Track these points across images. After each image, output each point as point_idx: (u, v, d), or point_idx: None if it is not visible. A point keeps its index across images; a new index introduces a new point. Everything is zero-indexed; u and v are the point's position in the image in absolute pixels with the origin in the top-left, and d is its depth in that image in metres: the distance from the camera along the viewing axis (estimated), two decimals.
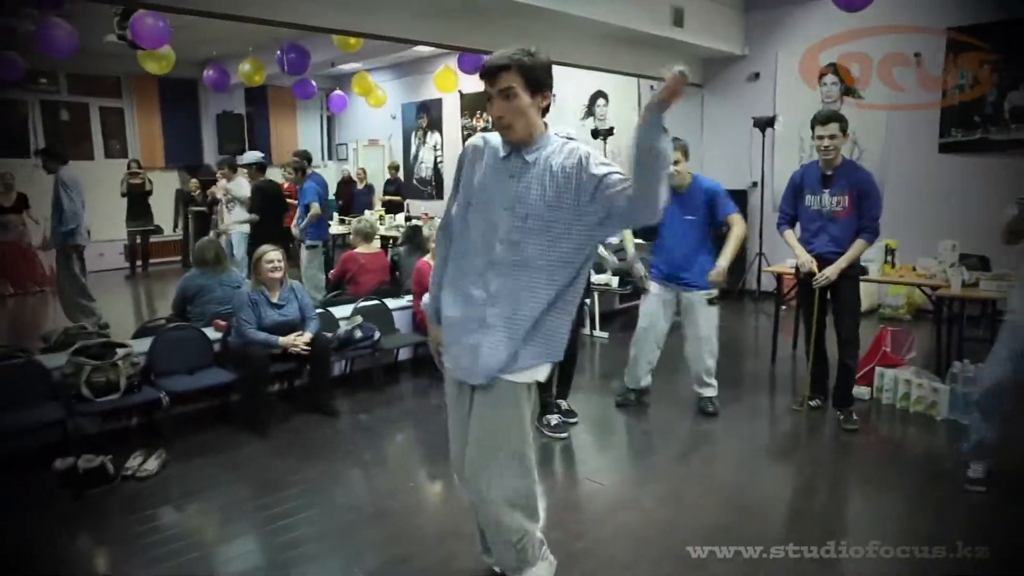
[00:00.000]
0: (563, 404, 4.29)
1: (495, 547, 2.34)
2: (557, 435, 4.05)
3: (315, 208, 6.90)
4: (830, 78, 7.82)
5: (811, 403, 4.37)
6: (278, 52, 8.16)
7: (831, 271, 3.98)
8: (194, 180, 10.66)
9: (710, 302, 4.27)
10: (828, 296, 4.14)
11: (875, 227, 3.97)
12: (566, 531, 2.96)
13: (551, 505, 3.17)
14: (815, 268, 4.01)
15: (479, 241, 2.14)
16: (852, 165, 4.16)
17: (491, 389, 2.15)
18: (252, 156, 7.42)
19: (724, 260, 4.13)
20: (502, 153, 2.14)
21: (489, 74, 2.06)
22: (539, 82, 2.07)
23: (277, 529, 3.05)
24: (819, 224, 4.10)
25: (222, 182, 8.08)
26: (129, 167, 10.44)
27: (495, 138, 2.19)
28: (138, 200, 10.36)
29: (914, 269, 5.05)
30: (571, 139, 2.19)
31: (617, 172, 2.03)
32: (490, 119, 2.15)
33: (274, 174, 8.82)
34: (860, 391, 4.58)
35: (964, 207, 6.62)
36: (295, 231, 7.21)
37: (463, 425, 2.26)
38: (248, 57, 8.95)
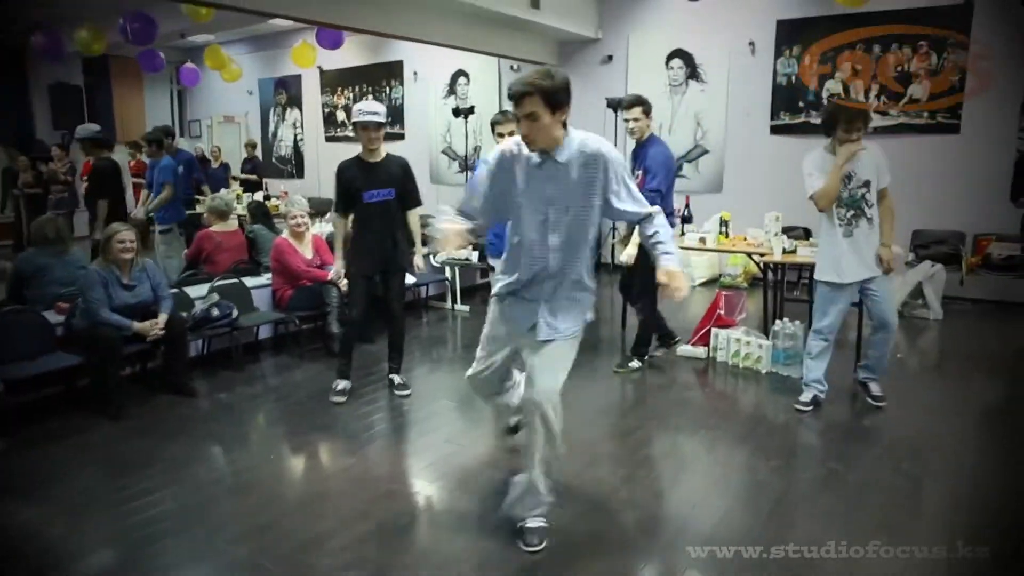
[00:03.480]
0: (396, 379, 4.41)
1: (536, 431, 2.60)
2: (337, 400, 4.23)
3: (168, 189, 6.58)
4: (676, 62, 8.36)
5: (631, 364, 4.82)
6: (121, 20, 7.65)
7: (631, 251, 4.49)
8: (23, 158, 9.80)
9: None
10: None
11: (651, 197, 4.11)
12: (435, 486, 3.11)
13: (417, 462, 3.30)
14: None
15: (534, 234, 2.54)
16: (651, 142, 4.53)
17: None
18: (85, 130, 6.68)
19: None
20: (536, 160, 2.49)
21: (515, 99, 2.40)
22: (558, 102, 2.38)
23: (136, 508, 3.00)
24: None
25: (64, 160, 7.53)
26: None
27: (523, 146, 2.51)
28: None
29: (745, 239, 5.55)
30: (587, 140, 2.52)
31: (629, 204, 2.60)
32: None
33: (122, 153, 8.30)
34: (697, 350, 5.04)
35: (790, 183, 7.30)
36: (139, 212, 6.84)
37: (503, 343, 2.76)
38: (85, 24, 8.32)
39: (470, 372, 2.92)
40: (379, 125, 4.06)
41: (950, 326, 6.01)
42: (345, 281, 4.54)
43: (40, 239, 4.65)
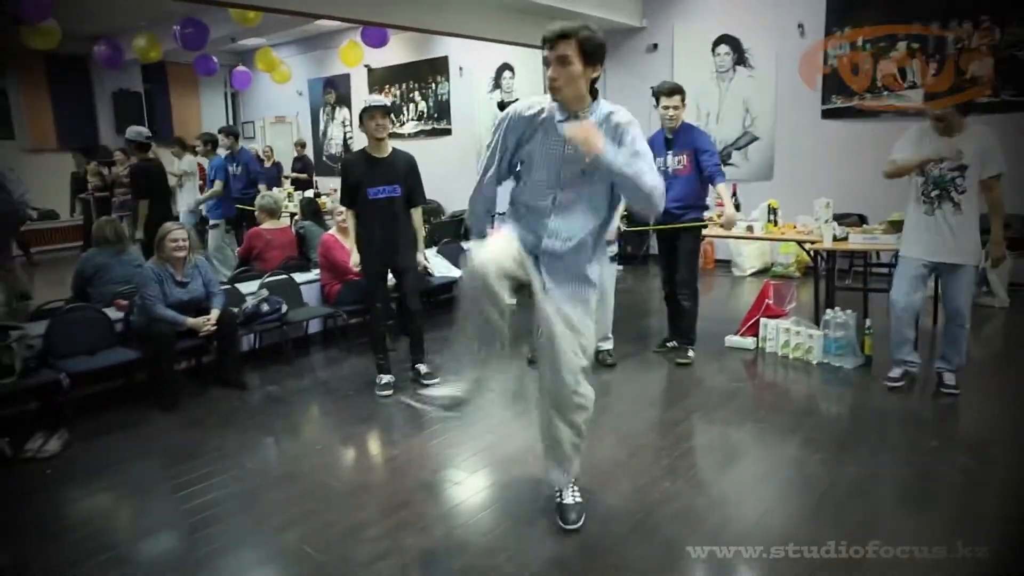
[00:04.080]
0: (421, 368, 4.45)
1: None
2: (382, 394, 4.28)
3: (218, 185, 6.79)
4: (723, 48, 8.18)
5: (668, 344, 4.92)
6: (174, 27, 7.91)
7: (730, 214, 4.62)
8: (92, 164, 10.21)
9: (611, 259, 4.68)
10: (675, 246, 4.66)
11: (720, 169, 4.52)
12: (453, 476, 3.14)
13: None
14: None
15: (544, 189, 2.49)
16: (689, 127, 4.61)
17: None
18: (134, 132, 6.80)
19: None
20: (559, 117, 2.42)
21: (550, 40, 2.33)
22: (593, 55, 2.34)
23: (186, 496, 3.11)
24: (667, 183, 4.44)
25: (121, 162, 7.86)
26: None
27: (548, 104, 2.45)
28: None
29: (795, 227, 5.41)
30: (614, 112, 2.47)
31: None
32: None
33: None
34: (746, 341, 4.94)
35: (843, 169, 7.11)
36: (188, 208, 7.10)
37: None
38: (142, 32, 8.63)
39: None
40: (386, 110, 4.09)
41: (1017, 314, 5.75)
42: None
43: (100, 239, 4.85)
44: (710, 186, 4.58)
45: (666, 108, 4.50)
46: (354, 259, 4.36)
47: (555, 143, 2.45)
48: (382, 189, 4.11)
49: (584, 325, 2.57)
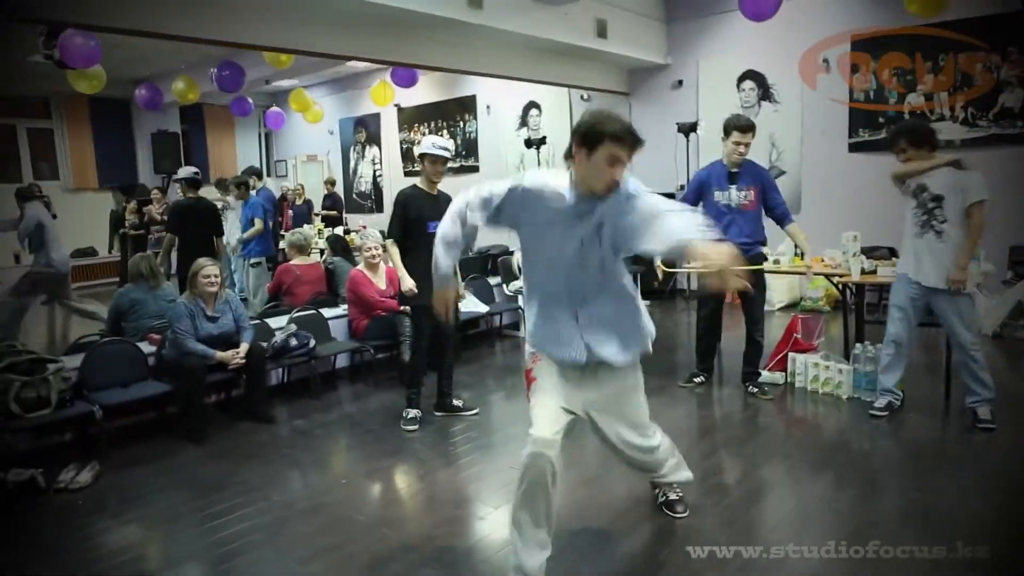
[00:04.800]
0: (457, 403, 4.58)
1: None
2: (409, 428, 4.33)
3: (259, 224, 6.96)
4: (748, 84, 8.23)
5: (696, 380, 4.91)
6: (212, 70, 8.19)
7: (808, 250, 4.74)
8: (132, 203, 10.52)
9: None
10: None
11: (788, 209, 4.63)
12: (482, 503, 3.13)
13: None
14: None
15: (563, 276, 2.44)
16: (752, 163, 4.62)
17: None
18: (185, 171, 7.06)
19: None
20: (570, 200, 2.34)
21: (628, 144, 2.26)
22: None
23: (213, 527, 3.14)
24: (729, 217, 4.55)
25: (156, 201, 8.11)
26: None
27: (554, 185, 2.36)
28: None
29: (822, 260, 5.37)
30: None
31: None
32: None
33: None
34: (775, 376, 4.88)
35: (871, 202, 7.04)
36: (230, 243, 7.24)
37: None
38: (181, 75, 8.95)
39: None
40: (447, 160, 4.35)
41: None
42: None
43: (135, 275, 4.98)
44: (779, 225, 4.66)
45: (738, 144, 4.46)
46: (408, 284, 4.30)
47: (568, 239, 2.38)
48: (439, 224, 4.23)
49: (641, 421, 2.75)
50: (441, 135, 11.58)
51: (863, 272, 4.76)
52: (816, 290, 7.46)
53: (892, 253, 6.24)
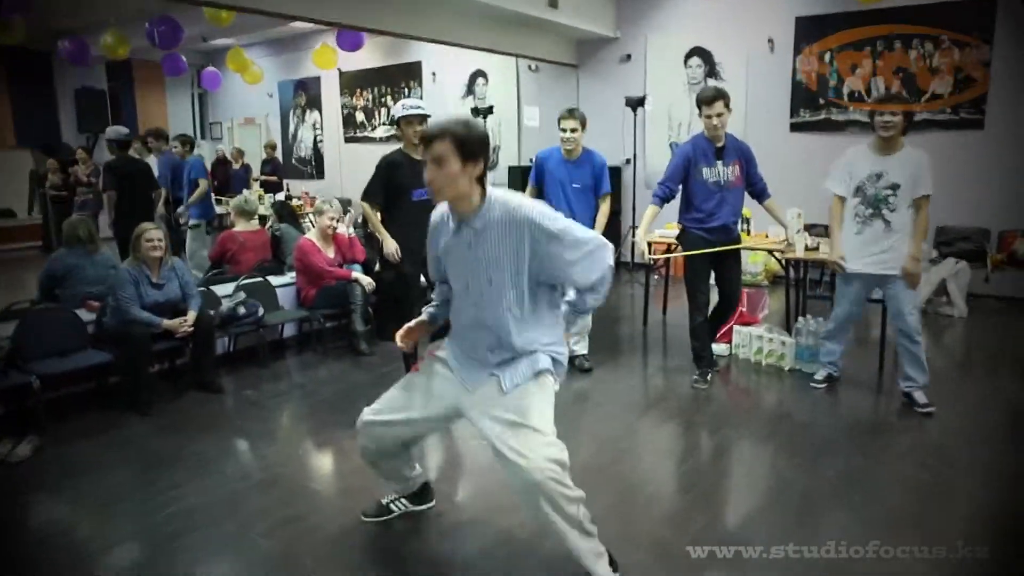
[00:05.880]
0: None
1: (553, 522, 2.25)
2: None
3: (204, 184, 6.71)
4: (695, 60, 8.34)
5: (707, 378, 4.54)
6: (148, 24, 7.78)
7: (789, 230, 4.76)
8: (52, 161, 9.97)
9: None
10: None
11: (766, 184, 4.63)
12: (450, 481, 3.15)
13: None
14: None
15: (464, 300, 2.36)
16: (733, 137, 4.41)
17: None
18: (115, 131, 6.74)
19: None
20: (451, 225, 2.30)
21: (425, 141, 2.18)
22: (472, 152, 2.16)
23: (166, 501, 3.06)
24: (719, 196, 4.31)
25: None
26: None
27: (444, 210, 2.36)
28: None
29: (767, 236, 5.53)
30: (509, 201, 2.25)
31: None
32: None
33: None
34: (720, 348, 5.03)
35: (812, 181, 7.27)
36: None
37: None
38: (110, 29, 8.47)
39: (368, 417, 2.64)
40: (424, 117, 4.08)
41: (975, 324, 5.96)
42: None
43: (72, 239, 4.74)
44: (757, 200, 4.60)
45: (709, 116, 4.15)
46: (392, 246, 4.16)
47: (458, 251, 2.31)
48: (424, 191, 4.11)
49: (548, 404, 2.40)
50: (384, 101, 11.37)
51: (807, 249, 4.93)
52: (755, 265, 7.69)
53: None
